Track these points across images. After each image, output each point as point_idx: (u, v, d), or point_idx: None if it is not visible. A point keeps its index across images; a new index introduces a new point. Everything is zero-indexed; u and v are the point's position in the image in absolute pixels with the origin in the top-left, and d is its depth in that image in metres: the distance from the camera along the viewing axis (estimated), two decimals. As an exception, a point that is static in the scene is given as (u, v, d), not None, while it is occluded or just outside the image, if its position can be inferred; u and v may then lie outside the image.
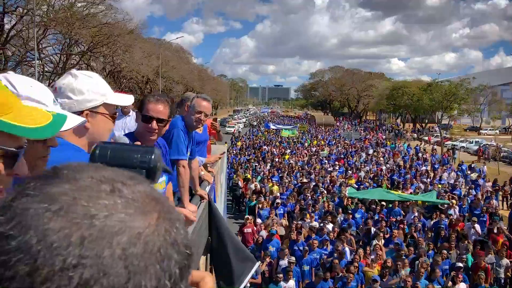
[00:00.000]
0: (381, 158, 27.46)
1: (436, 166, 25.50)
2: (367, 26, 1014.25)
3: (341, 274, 9.00)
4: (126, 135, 2.21)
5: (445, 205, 14.65)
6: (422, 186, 18.39)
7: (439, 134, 44.57)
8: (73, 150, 1.66)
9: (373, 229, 11.96)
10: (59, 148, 1.58)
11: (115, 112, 1.89)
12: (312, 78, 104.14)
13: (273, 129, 47.86)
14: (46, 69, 34.49)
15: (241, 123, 68.17)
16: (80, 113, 1.73)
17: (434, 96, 49.50)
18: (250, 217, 12.58)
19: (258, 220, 12.86)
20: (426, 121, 62.48)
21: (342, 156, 28.76)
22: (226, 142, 13.52)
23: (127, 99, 1.97)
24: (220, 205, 6.88)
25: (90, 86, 1.78)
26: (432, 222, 13.19)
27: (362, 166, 23.99)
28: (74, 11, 28.91)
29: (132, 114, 5.39)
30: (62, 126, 1.16)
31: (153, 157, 1.24)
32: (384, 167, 23.97)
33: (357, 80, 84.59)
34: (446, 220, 13.07)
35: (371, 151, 31.73)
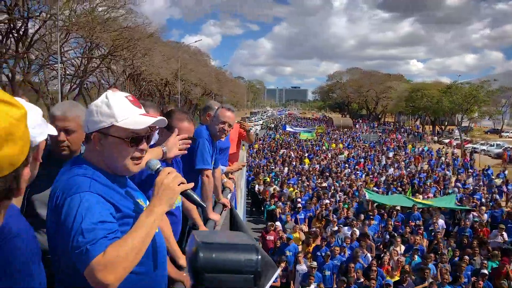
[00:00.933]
0: (402, 162, 27.02)
1: (461, 170, 25.00)
2: (385, 28, 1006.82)
3: (361, 279, 8.99)
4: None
5: (464, 211, 14.45)
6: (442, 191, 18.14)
7: (459, 137, 43.89)
8: (81, 174, 1.70)
9: (392, 234, 11.91)
10: (68, 174, 1.71)
11: (133, 137, 1.78)
12: (330, 80, 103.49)
13: (289, 131, 47.43)
14: (67, 72, 35.18)
15: (258, 125, 68.00)
16: (94, 134, 1.76)
17: (454, 98, 48.70)
18: (272, 224, 12.47)
19: (278, 224, 12.85)
20: (446, 123, 61.52)
21: (362, 159, 28.45)
22: (243, 145, 13.57)
23: (140, 123, 1.77)
24: (240, 211, 6.95)
25: (102, 109, 1.77)
26: (456, 229, 13.02)
27: (384, 171, 23.67)
28: (95, 15, 29.39)
29: None
30: None
31: (259, 257, 1.22)
32: (405, 171, 23.67)
33: (375, 81, 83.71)
34: (469, 228, 12.88)
35: (391, 154, 31.27)
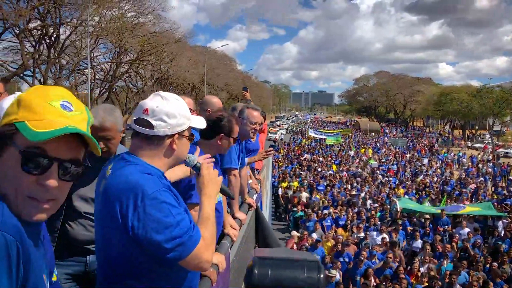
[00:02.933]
0: (438, 170, 26.15)
1: (498, 178, 24.12)
2: (413, 31, 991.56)
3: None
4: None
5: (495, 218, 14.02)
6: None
7: (490, 141, 42.72)
8: (142, 171, 1.74)
9: (420, 242, 11.68)
10: (129, 171, 1.72)
11: (192, 134, 1.97)
12: (357, 84, 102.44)
13: (312, 136, 46.36)
14: (97, 76, 36.02)
15: (283, 129, 67.55)
16: (170, 136, 1.82)
17: (484, 101, 47.47)
18: (294, 236, 12.32)
19: (294, 233, 12.53)
20: (477, 127, 60.00)
21: (394, 166, 27.52)
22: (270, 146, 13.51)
23: (203, 122, 2.10)
24: (266, 212, 6.93)
25: (180, 110, 1.85)
26: (493, 240, 12.68)
27: (415, 178, 23.00)
28: (124, 21, 30.00)
29: None
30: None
31: (321, 276, 1.19)
32: (435, 178, 23.01)
33: (403, 85, 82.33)
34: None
35: (426, 161, 30.14)
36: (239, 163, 3.61)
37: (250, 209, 4.03)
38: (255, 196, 4.58)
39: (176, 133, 1.84)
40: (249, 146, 4.57)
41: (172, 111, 1.82)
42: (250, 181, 4.74)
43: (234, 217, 3.42)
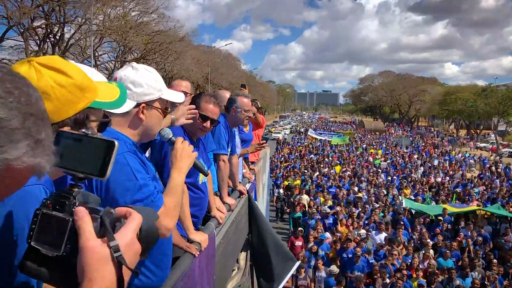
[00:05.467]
0: (451, 172, 25.70)
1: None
2: (418, 30, 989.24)
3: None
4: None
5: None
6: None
7: (494, 141, 42.47)
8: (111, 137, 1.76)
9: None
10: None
11: (167, 108, 2.00)
12: (361, 83, 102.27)
13: (312, 137, 44.36)
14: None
15: (287, 129, 67.22)
16: (136, 105, 1.86)
17: (489, 101, 47.18)
18: (301, 230, 12.37)
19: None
20: (481, 127, 59.67)
21: (401, 166, 27.07)
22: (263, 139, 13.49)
23: (179, 97, 2.10)
24: (262, 205, 6.97)
25: (148, 80, 1.89)
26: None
27: (423, 178, 22.76)
28: (128, 20, 30.14)
29: None
30: (126, 95, 1.39)
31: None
32: (440, 177, 22.77)
33: (408, 85, 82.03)
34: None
35: (436, 162, 29.41)
36: (229, 150, 3.66)
37: (240, 196, 4.07)
38: (248, 185, 4.62)
39: (143, 102, 1.87)
40: (242, 136, 4.62)
41: (138, 80, 1.86)
42: (244, 170, 4.79)
43: (223, 202, 3.47)
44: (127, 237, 0.81)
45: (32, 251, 0.81)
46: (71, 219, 0.80)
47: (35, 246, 0.80)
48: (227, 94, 4.09)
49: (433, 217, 14.06)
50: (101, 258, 0.77)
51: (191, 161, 1.97)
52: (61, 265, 0.80)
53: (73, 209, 0.81)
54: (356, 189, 18.38)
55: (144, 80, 1.88)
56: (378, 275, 9.12)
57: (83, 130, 0.88)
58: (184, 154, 1.95)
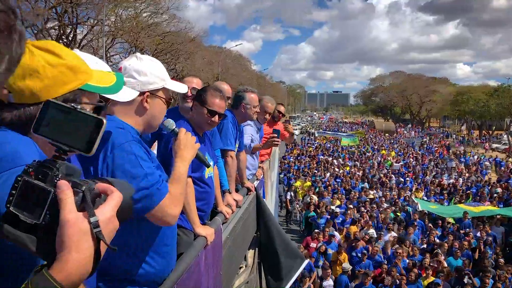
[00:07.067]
0: (467, 174, 25.11)
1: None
2: (429, 31, 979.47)
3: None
4: (171, 111, 2.36)
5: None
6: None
7: (507, 142, 41.88)
8: (116, 126, 1.77)
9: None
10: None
11: (171, 98, 2.04)
12: (372, 84, 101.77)
13: (319, 137, 44.63)
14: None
15: (296, 130, 66.93)
16: (141, 94, 1.89)
17: (501, 101, 46.59)
18: (318, 232, 12.18)
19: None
20: (494, 127, 58.93)
21: (413, 168, 26.56)
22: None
23: (183, 87, 2.12)
24: (271, 203, 6.97)
25: (152, 70, 1.93)
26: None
27: (435, 180, 22.47)
28: (140, 20, 30.36)
29: None
30: (123, 83, 1.44)
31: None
32: (462, 181, 22.38)
33: (419, 85, 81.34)
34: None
35: (453, 164, 28.57)
36: (237, 146, 3.67)
37: (248, 193, 4.08)
38: (256, 183, 4.62)
39: (147, 91, 1.90)
40: (262, 134, 4.65)
41: (143, 69, 1.90)
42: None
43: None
44: (106, 215, 0.83)
45: (11, 216, 0.81)
46: (53, 190, 0.81)
47: (14, 212, 0.81)
48: (225, 86, 4.08)
49: (454, 220, 13.88)
50: (81, 231, 0.79)
51: (193, 151, 1.99)
52: (39, 233, 0.81)
53: (55, 181, 0.82)
54: (368, 190, 18.31)
55: (148, 69, 1.91)
56: (385, 273, 9.15)
57: (72, 104, 0.89)
58: (187, 145, 1.97)
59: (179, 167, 1.92)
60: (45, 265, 0.80)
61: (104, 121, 0.87)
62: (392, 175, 22.97)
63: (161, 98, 1.95)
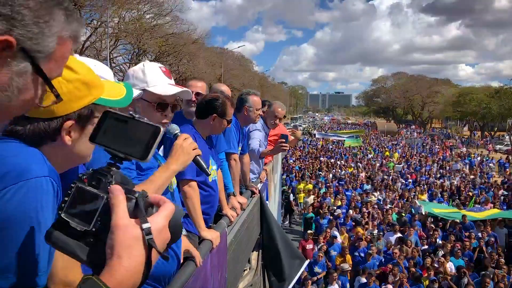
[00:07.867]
0: (471, 176, 24.86)
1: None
2: (431, 32, 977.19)
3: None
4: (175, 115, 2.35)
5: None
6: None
7: (509, 143, 41.74)
8: None
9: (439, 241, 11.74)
10: None
11: (164, 101, 2.11)
12: (374, 85, 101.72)
13: (317, 138, 44.08)
14: (116, 77, 36.48)
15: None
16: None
17: (503, 102, 46.47)
18: (312, 233, 12.40)
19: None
20: (496, 129, 58.74)
21: (415, 170, 26.46)
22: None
23: (169, 90, 2.10)
24: (274, 205, 7.01)
25: (136, 73, 2.09)
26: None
27: (438, 181, 22.46)
28: (143, 22, 30.45)
29: None
30: (133, 94, 1.47)
31: None
32: (466, 183, 22.28)
33: (421, 86, 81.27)
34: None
35: (459, 166, 28.50)
36: (240, 149, 3.70)
37: (252, 196, 4.11)
38: (260, 185, 4.66)
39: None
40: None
41: (128, 73, 2.09)
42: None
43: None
44: (159, 223, 0.81)
45: (61, 223, 0.81)
46: (105, 196, 0.80)
47: (65, 219, 0.80)
48: (224, 88, 4.12)
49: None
50: (133, 238, 0.77)
51: (188, 158, 1.95)
52: (89, 241, 0.80)
53: (109, 187, 0.81)
54: (370, 191, 18.33)
55: (131, 73, 2.06)
56: (390, 272, 9.25)
57: (131, 112, 0.90)
58: (182, 151, 1.93)
59: (159, 170, 1.89)
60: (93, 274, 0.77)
61: (162, 129, 0.88)
62: (397, 178, 22.95)
63: (146, 101, 2.06)
